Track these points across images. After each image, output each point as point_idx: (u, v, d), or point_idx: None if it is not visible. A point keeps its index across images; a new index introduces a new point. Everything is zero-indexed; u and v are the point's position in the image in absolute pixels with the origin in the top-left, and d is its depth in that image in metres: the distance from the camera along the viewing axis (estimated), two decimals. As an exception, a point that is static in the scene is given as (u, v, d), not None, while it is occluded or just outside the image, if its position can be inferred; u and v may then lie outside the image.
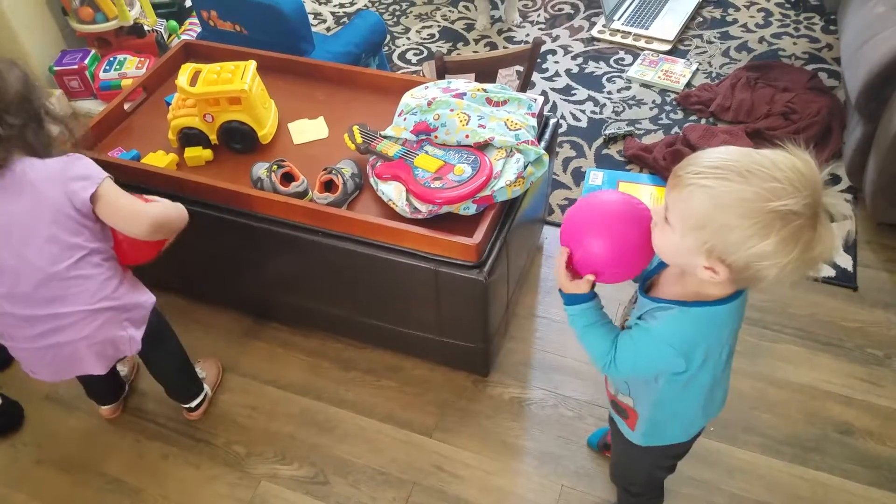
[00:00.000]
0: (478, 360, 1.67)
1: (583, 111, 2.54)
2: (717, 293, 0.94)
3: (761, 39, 2.78)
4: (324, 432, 1.66)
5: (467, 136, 1.52)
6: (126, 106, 1.83)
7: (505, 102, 1.61)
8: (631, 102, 2.55)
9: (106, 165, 1.60)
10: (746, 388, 1.67)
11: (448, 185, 1.44)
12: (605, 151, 2.37)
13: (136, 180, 1.61)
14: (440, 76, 1.99)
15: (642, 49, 2.78)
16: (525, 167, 1.49)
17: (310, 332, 1.85)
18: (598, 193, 1.06)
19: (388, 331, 1.70)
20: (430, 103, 1.57)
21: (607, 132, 2.40)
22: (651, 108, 2.52)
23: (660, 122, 2.46)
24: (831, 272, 1.90)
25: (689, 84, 2.59)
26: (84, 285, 1.28)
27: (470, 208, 1.47)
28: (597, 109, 2.54)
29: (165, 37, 2.74)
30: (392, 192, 1.50)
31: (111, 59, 2.60)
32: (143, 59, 2.60)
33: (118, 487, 1.60)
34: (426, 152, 1.53)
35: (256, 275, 1.73)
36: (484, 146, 1.53)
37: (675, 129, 2.39)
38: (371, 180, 1.57)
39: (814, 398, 1.65)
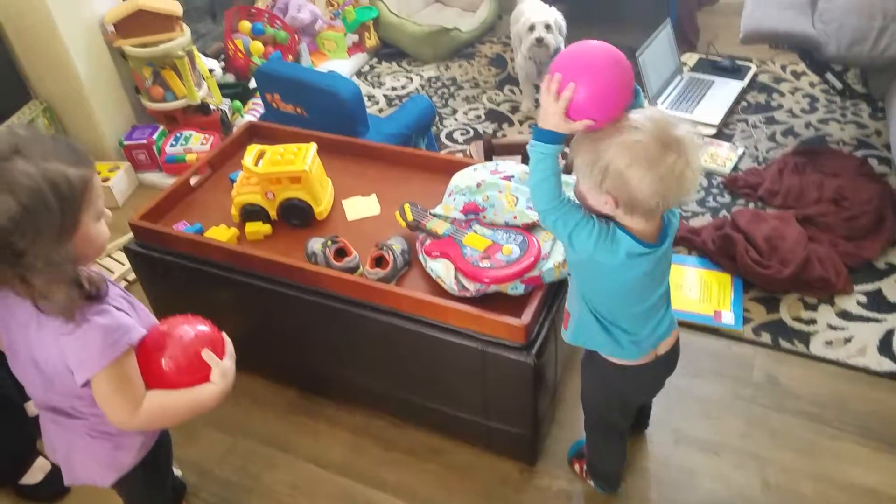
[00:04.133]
0: (524, 448, 1.64)
1: (629, 193, 2.55)
2: (629, 225, 1.15)
3: (808, 125, 2.79)
4: (365, 514, 1.63)
5: (515, 217, 1.55)
6: (192, 181, 1.93)
7: (554, 185, 1.64)
8: (678, 185, 2.56)
9: (170, 238, 1.70)
10: (808, 491, 1.59)
11: (496, 265, 1.46)
12: (651, 233, 2.36)
13: (198, 253, 1.68)
14: (487, 157, 2.05)
15: (688, 133, 2.81)
16: (573, 249, 1.51)
17: (354, 408, 1.84)
18: (592, 43, 1.12)
19: (433, 410, 1.69)
20: (479, 185, 1.61)
21: (654, 214, 2.41)
22: (698, 191, 2.52)
23: (707, 204, 2.46)
24: (893, 367, 1.83)
25: (735, 167, 2.60)
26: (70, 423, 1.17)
27: (518, 288, 1.48)
28: (643, 192, 2.55)
29: (229, 115, 2.90)
30: (441, 269, 1.53)
31: (177, 134, 2.75)
32: (207, 135, 2.74)
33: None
34: (475, 231, 1.56)
35: (305, 348, 1.76)
36: (531, 227, 1.56)
37: (723, 213, 2.39)
38: (420, 257, 1.60)
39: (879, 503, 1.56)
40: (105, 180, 2.62)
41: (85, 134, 2.76)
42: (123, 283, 2.29)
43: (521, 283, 1.47)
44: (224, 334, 1.22)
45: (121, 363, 1.05)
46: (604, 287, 1.22)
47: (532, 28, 2.78)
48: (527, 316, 1.41)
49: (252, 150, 1.74)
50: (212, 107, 2.83)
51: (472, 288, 1.47)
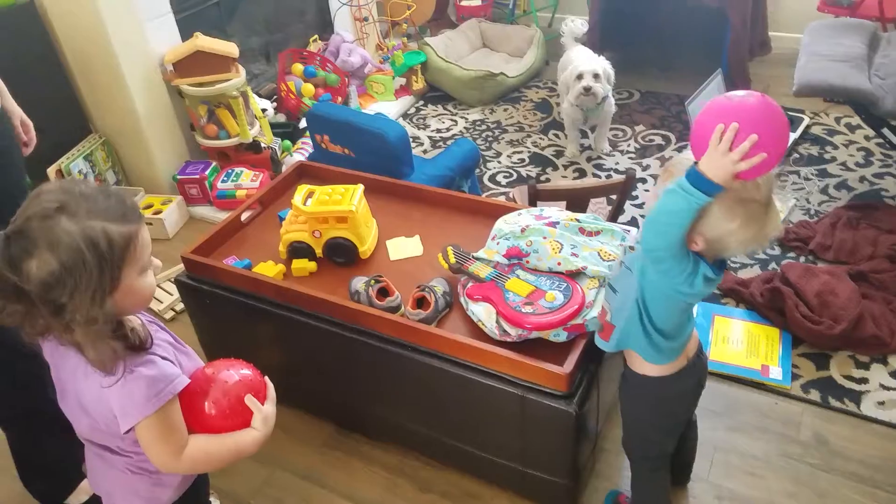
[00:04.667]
0: (562, 498, 1.60)
1: (674, 241, 2.53)
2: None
3: (862, 178, 2.74)
4: (395, 556, 1.61)
5: (559, 264, 1.55)
6: (243, 217, 1.98)
7: (598, 233, 1.64)
8: (724, 235, 2.53)
9: (220, 272, 1.74)
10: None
11: (539, 311, 1.45)
12: (696, 283, 2.33)
13: (246, 287, 1.72)
14: (532, 202, 2.05)
15: (735, 183, 2.78)
16: (618, 298, 1.49)
17: (390, 447, 1.83)
18: (756, 94, 1.04)
19: (470, 454, 1.67)
20: (523, 230, 1.62)
21: (700, 264, 2.38)
22: (745, 242, 2.48)
23: (756, 256, 2.41)
24: (951, 430, 1.75)
25: (786, 220, 2.55)
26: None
27: (560, 336, 1.46)
28: (688, 240, 2.52)
29: (279, 154, 2.98)
30: (482, 313, 1.53)
31: (229, 171, 2.83)
32: (257, 172, 2.82)
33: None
34: (518, 276, 1.56)
35: (343, 384, 1.77)
36: (576, 274, 1.55)
37: (773, 265, 2.34)
38: (461, 300, 1.61)
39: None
40: (157, 213, 2.71)
41: (140, 167, 2.87)
42: (171, 314, 2.34)
43: (564, 330, 1.46)
44: (266, 379, 1.23)
45: (164, 412, 1.06)
46: (674, 307, 1.24)
47: (580, 77, 2.81)
48: (569, 364, 1.39)
49: (302, 189, 1.78)
50: (263, 145, 2.91)
51: (513, 333, 1.47)
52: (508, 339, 1.48)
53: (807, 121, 3.09)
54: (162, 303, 2.36)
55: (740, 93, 1.06)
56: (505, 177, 3.01)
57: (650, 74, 3.70)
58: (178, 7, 2.77)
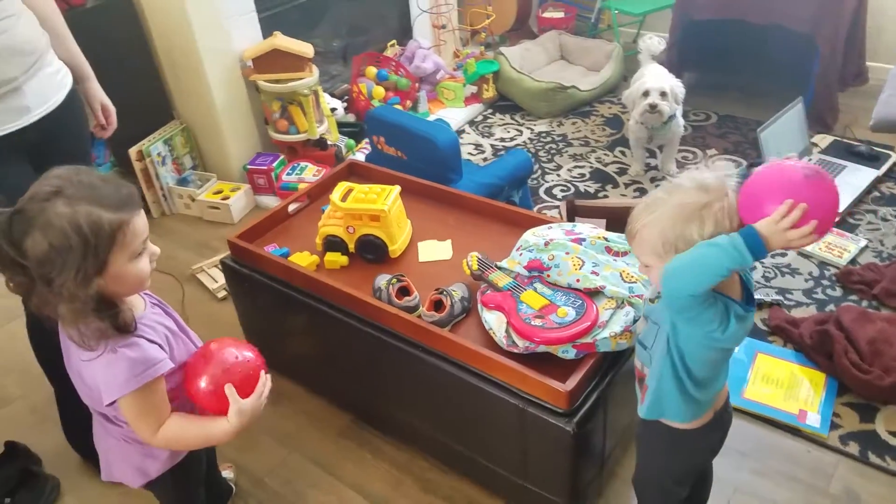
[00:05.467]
0: (561, 518, 1.58)
1: (729, 272, 2.43)
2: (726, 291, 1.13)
3: (947, 224, 2.54)
4: (392, 553, 1.63)
5: (578, 281, 1.53)
6: (290, 208, 2.06)
7: (625, 254, 1.61)
8: (784, 270, 2.41)
9: (258, 258, 1.82)
10: None
11: (548, 326, 1.44)
12: (746, 317, 2.23)
13: (279, 274, 1.80)
14: (569, 218, 2.04)
15: (805, 217, 2.64)
16: (634, 321, 1.46)
17: (401, 444, 1.86)
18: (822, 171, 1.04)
19: (473, 462, 1.67)
20: (547, 243, 1.61)
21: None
22: (806, 280, 2.36)
23: (814, 295, 2.29)
24: None
25: (853, 261, 2.40)
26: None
27: (569, 353, 1.45)
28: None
29: (343, 152, 3.07)
30: (494, 321, 1.53)
31: (294, 164, 2.95)
32: (320, 168, 2.92)
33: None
34: (535, 289, 1.55)
35: (361, 378, 1.81)
36: (594, 293, 1.52)
37: (831, 307, 2.21)
38: (478, 307, 1.61)
39: None
40: (226, 198, 2.86)
41: (214, 155, 3.04)
42: (223, 293, 2.46)
43: (573, 347, 1.44)
44: (264, 371, 1.26)
45: (143, 392, 1.12)
46: (711, 355, 1.17)
47: (646, 94, 2.75)
48: (572, 382, 1.38)
49: (342, 186, 1.85)
50: (329, 142, 3.02)
51: (521, 344, 1.46)
52: (515, 351, 1.47)
53: (894, 158, 2.90)
54: (216, 282, 2.49)
55: (808, 167, 1.03)
56: (562, 190, 2.98)
57: (730, 98, 3.57)
58: (261, 6, 2.91)
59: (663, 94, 2.73)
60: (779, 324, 2.13)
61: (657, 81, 2.75)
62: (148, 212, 2.95)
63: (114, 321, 1.08)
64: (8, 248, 1.03)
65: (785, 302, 2.26)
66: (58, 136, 1.58)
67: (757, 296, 2.26)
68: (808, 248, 2.45)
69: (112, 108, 1.80)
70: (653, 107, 2.73)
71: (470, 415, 1.57)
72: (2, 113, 1.45)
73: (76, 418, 1.80)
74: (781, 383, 1.95)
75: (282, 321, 1.93)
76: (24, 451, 1.84)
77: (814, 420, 1.82)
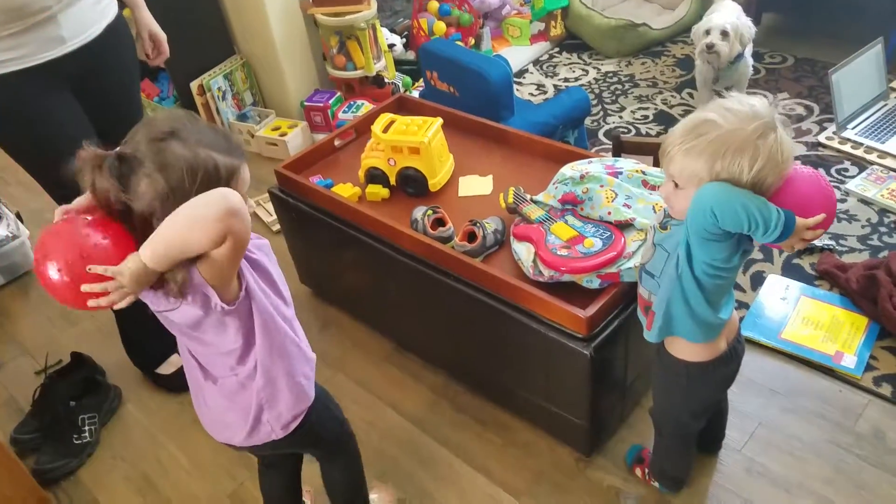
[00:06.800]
0: (581, 438, 1.65)
1: (783, 216, 2.37)
2: None
3: None
4: (423, 465, 1.75)
5: (609, 213, 1.55)
6: (336, 143, 2.14)
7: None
8: (842, 216, 2.34)
9: (302, 188, 1.92)
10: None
11: (573, 256, 1.48)
12: (795, 261, 2.19)
13: (321, 204, 1.89)
14: (616, 154, 2.03)
15: (872, 163, 2.53)
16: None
17: (437, 370, 1.96)
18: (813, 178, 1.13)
19: (502, 387, 1.75)
20: (582, 177, 1.63)
21: (805, 242, 2.23)
22: (863, 227, 2.28)
23: (869, 242, 2.22)
24: None
25: (917, 208, 2.31)
26: None
27: (594, 282, 1.49)
28: (800, 216, 2.36)
29: (402, 90, 3.12)
30: (523, 252, 1.58)
31: (351, 102, 3.02)
32: (376, 106, 2.98)
33: (244, 460, 1.81)
34: (566, 221, 1.59)
35: (399, 305, 1.90)
36: (625, 226, 1.55)
37: (884, 254, 2.14)
38: (510, 238, 1.67)
39: None
40: (283, 135, 2.97)
41: (273, 91, 3.14)
42: (278, 227, 2.59)
43: (598, 277, 1.48)
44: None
45: None
46: (714, 279, 1.18)
47: (708, 32, 2.65)
48: (592, 309, 1.42)
49: (383, 118, 1.90)
50: (386, 80, 3.06)
51: (546, 274, 1.51)
52: (541, 280, 1.52)
53: (980, 100, 2.71)
54: (271, 216, 2.62)
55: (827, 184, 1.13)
56: (622, 132, 2.94)
57: (811, 41, 3.38)
58: (322, -59, 2.93)
59: (724, 34, 2.62)
60: (827, 268, 2.09)
61: (721, 19, 2.64)
62: (212, 146, 3.09)
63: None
64: (116, 188, 0.98)
65: (837, 248, 2.20)
66: (98, 68, 1.61)
67: (809, 240, 2.22)
68: (870, 195, 2.36)
69: (162, 36, 1.80)
70: (709, 47, 2.63)
71: (499, 343, 1.64)
72: (37, 42, 1.46)
73: (136, 339, 1.98)
74: (822, 325, 1.93)
75: (326, 251, 2.03)
76: (89, 362, 2.03)
77: (849, 361, 1.81)
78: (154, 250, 0.96)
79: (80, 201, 1.04)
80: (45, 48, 1.50)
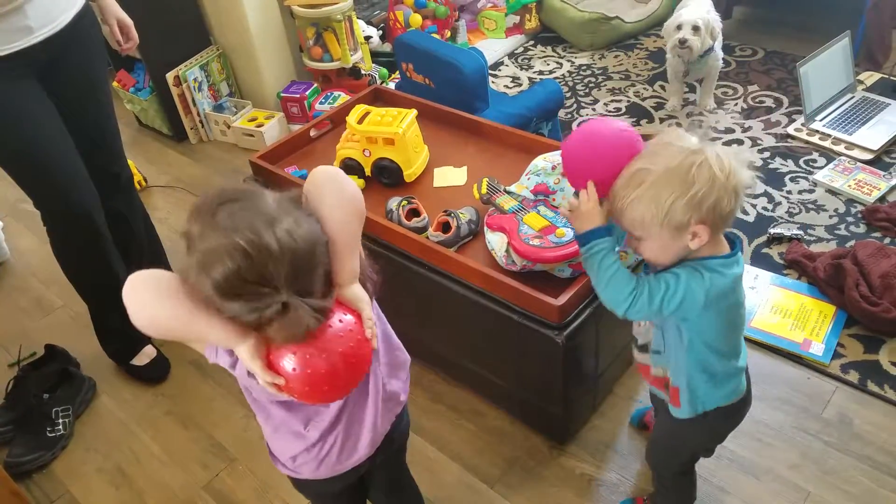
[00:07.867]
0: (554, 426, 1.67)
1: (753, 205, 2.42)
2: (706, 253, 1.10)
3: None
4: (398, 453, 1.76)
5: (580, 204, 1.57)
6: (312, 133, 2.14)
7: (629, 179, 1.63)
8: (810, 206, 2.39)
9: (277, 178, 1.92)
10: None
11: (545, 245, 1.50)
12: (764, 251, 2.24)
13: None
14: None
15: (839, 154, 2.59)
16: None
17: (414, 359, 1.96)
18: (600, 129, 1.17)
19: (476, 374, 1.77)
20: (554, 167, 1.65)
21: (774, 231, 2.27)
22: (831, 217, 2.33)
23: (836, 231, 2.27)
24: None
25: (882, 199, 2.36)
26: None
27: (565, 271, 1.51)
28: (769, 206, 2.41)
29: (378, 81, 3.12)
30: (496, 242, 1.60)
31: (328, 93, 3.02)
32: (353, 97, 2.97)
33: (219, 452, 1.83)
34: (538, 212, 1.61)
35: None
36: (596, 216, 1.57)
37: (851, 243, 2.19)
38: (484, 229, 1.68)
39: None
40: (259, 126, 2.96)
41: (250, 82, 3.12)
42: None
43: (570, 266, 1.50)
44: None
45: None
46: (723, 322, 1.14)
47: (679, 27, 2.69)
48: (563, 297, 1.44)
49: (358, 108, 1.90)
50: (362, 71, 3.06)
51: (519, 263, 1.53)
52: (514, 269, 1.54)
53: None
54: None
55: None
56: (593, 124, 2.96)
57: (780, 34, 3.43)
58: (297, -68, 2.92)
59: (696, 29, 2.66)
60: (795, 258, 2.13)
61: (691, 14, 2.68)
62: (186, 138, 3.08)
63: None
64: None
65: (805, 237, 2.25)
66: (67, 57, 1.60)
67: (777, 230, 2.27)
68: (838, 185, 2.41)
69: (129, 23, 1.80)
70: (682, 42, 2.67)
71: (472, 331, 1.66)
72: (4, 32, 1.46)
73: (110, 329, 1.97)
74: (790, 314, 1.97)
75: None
76: (62, 354, 2.02)
77: (817, 349, 1.85)
78: (353, 270, 1.02)
79: None
80: (12, 38, 1.48)
